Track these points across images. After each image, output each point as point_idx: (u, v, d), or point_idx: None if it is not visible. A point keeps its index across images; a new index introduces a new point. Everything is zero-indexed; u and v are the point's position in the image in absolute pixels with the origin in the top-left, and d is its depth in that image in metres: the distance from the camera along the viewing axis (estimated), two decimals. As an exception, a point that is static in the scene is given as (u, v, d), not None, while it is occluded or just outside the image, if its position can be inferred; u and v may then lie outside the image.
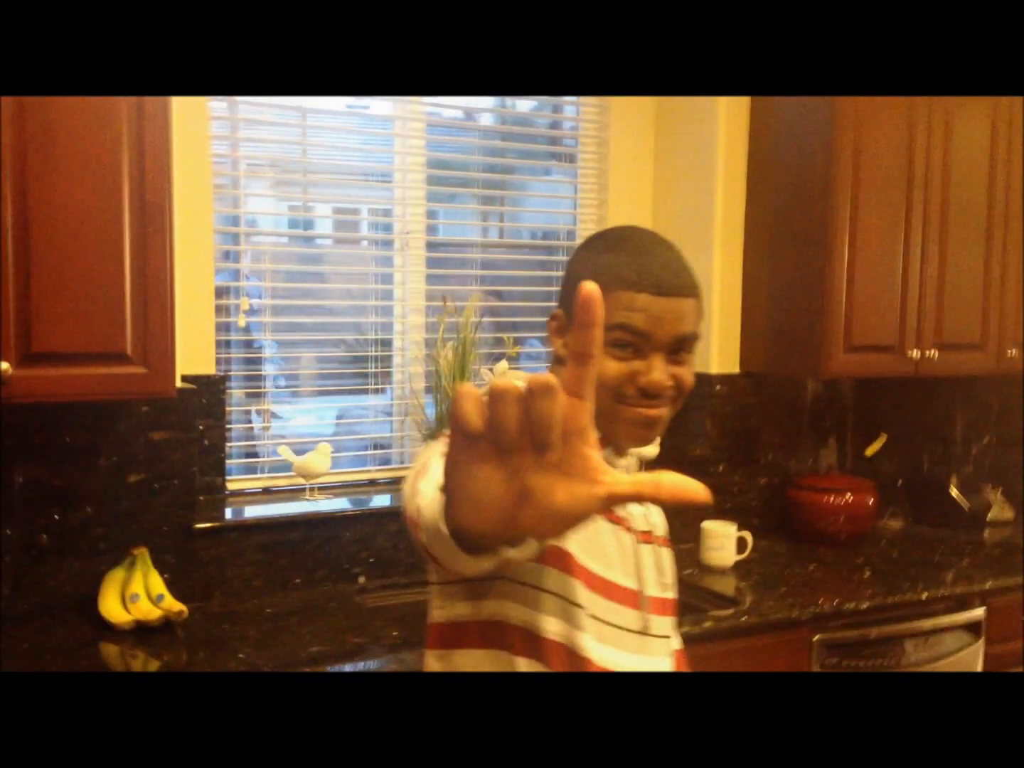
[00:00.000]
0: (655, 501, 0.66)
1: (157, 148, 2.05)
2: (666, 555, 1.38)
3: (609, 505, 0.67)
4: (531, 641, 1.19)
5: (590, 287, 0.65)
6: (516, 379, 0.66)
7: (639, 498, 0.67)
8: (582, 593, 1.20)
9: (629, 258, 1.23)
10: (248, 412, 2.85)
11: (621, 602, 1.26)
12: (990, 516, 3.42)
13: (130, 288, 2.03)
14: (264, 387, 2.83)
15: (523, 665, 1.19)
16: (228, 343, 2.73)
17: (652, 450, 1.35)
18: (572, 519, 0.67)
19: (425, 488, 0.90)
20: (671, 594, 1.39)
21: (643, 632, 1.29)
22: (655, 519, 1.38)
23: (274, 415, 2.93)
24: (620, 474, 0.68)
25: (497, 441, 0.65)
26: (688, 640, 2.35)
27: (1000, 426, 3.66)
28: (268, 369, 2.85)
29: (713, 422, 3.17)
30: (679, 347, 1.24)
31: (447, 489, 0.70)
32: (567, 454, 0.67)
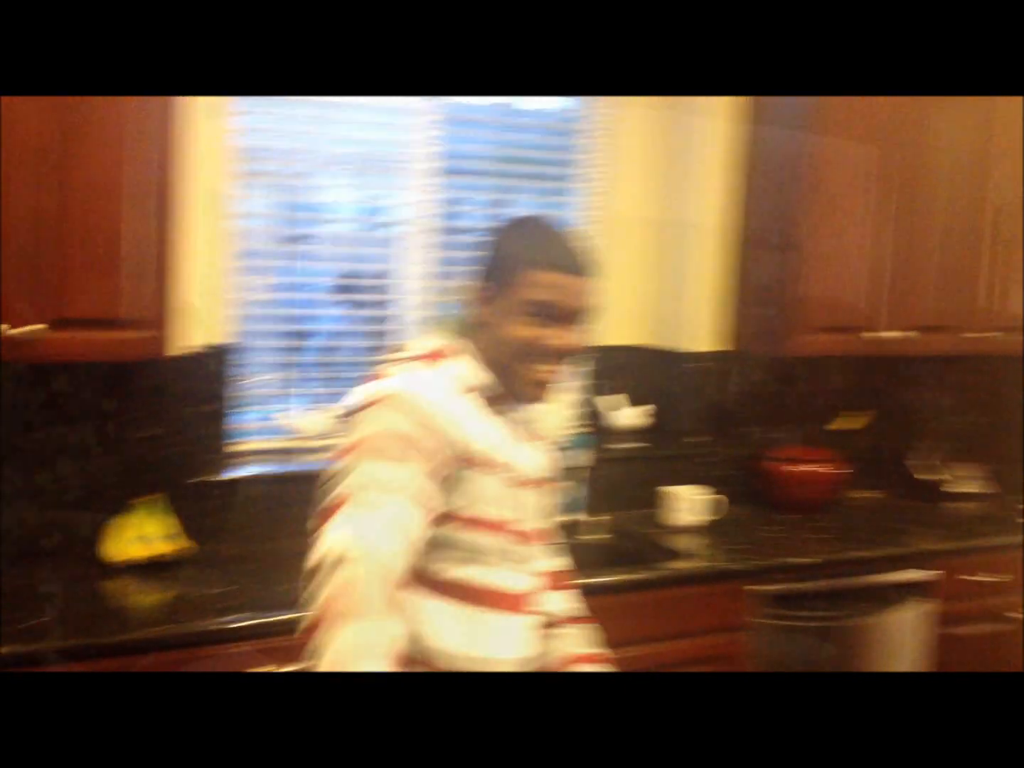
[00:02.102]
0: None
1: (174, 143, 2.35)
2: (544, 493, 1.69)
3: None
4: (435, 581, 1.50)
5: None
6: None
7: None
8: (478, 536, 1.51)
9: (538, 243, 1.57)
10: (271, 380, 3.15)
11: (495, 532, 1.55)
12: (959, 490, 3.61)
13: (144, 262, 2.35)
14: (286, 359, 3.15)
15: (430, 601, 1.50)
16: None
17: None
18: None
19: None
20: (546, 525, 1.70)
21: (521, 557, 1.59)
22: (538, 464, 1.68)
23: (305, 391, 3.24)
24: None
25: None
26: (626, 587, 2.63)
27: (974, 405, 3.85)
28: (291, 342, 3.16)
29: (695, 396, 3.40)
30: (577, 318, 1.56)
31: None
32: None
